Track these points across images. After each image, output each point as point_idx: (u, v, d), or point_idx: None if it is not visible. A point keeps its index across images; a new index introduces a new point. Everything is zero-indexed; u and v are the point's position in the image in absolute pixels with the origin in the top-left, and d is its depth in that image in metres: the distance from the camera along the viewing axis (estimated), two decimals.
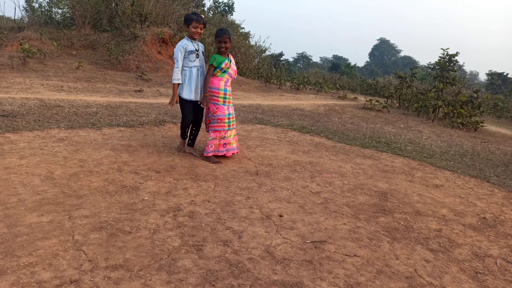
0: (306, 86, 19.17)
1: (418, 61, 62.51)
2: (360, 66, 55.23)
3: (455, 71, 13.18)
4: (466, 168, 5.71)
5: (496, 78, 34.26)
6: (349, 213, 3.38)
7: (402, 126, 9.86)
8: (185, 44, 4.32)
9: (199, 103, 4.47)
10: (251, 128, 6.83)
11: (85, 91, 8.65)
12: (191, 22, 4.32)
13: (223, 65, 4.40)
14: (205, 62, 4.64)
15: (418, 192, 4.21)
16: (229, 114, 4.49)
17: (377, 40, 73.86)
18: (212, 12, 25.80)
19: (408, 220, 3.38)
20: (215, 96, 4.44)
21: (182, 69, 4.36)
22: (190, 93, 4.40)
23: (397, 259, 2.65)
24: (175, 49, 4.35)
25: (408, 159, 5.88)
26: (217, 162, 4.44)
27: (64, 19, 15.84)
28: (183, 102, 4.46)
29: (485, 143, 8.77)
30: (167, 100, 8.87)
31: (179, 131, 4.82)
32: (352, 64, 38.32)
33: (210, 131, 4.50)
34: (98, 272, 2.10)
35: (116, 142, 4.75)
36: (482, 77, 55.11)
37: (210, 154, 4.48)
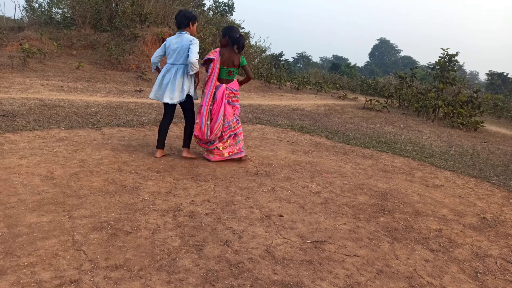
0: (306, 86, 19.18)
1: (418, 61, 62.55)
2: (360, 66, 55.23)
3: (455, 71, 13.19)
4: (466, 168, 5.71)
5: (496, 78, 34.27)
6: (349, 213, 3.38)
7: (402, 126, 9.86)
8: None
9: None
10: (251, 128, 6.83)
11: (85, 91, 8.65)
12: (196, 20, 4.27)
13: None
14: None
15: (418, 192, 4.21)
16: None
17: (377, 40, 73.91)
18: (212, 12, 25.80)
19: (408, 220, 3.38)
20: (238, 98, 4.56)
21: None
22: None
23: (397, 259, 2.65)
24: (195, 43, 4.12)
25: (408, 159, 5.88)
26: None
27: (64, 19, 15.85)
28: (192, 100, 4.40)
29: (485, 143, 8.77)
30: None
31: (184, 138, 4.50)
32: (352, 64, 38.33)
33: (241, 132, 4.57)
34: (98, 272, 2.10)
35: (116, 142, 4.75)
36: (482, 77, 55.16)
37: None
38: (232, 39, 4.33)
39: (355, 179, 4.42)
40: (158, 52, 4.31)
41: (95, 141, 4.70)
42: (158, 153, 4.37)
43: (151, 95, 4.32)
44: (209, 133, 4.34)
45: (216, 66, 4.29)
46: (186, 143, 4.47)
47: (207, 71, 4.40)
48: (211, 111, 4.36)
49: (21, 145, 4.17)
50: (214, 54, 4.31)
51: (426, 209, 3.72)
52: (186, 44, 4.12)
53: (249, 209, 3.20)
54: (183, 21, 4.22)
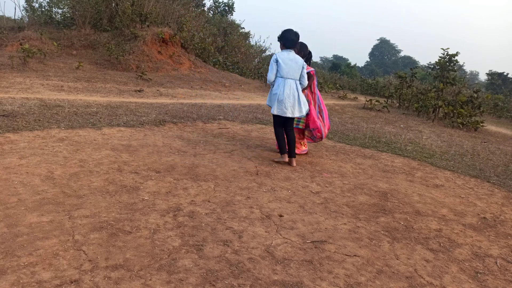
0: None
1: (418, 61, 62.42)
2: (360, 66, 55.17)
3: (455, 71, 13.18)
4: (466, 168, 5.71)
5: (496, 78, 34.23)
6: (349, 213, 3.38)
7: (402, 126, 9.86)
8: None
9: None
10: (251, 128, 6.84)
11: (85, 91, 8.65)
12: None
13: None
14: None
15: (418, 192, 4.21)
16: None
17: (377, 40, 73.74)
18: (212, 12, 25.80)
19: (408, 220, 3.38)
20: None
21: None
22: None
23: (397, 259, 2.65)
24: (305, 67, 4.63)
25: (408, 159, 5.88)
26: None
27: (64, 19, 15.84)
28: None
29: (485, 143, 8.77)
30: (167, 100, 8.88)
31: (290, 149, 4.70)
32: (352, 64, 38.27)
33: None
34: (98, 272, 2.10)
35: (116, 142, 4.75)
36: (482, 77, 55.13)
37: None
38: (305, 55, 4.94)
39: (355, 179, 4.42)
40: (274, 71, 4.50)
41: (95, 141, 4.70)
42: (287, 158, 4.65)
43: (277, 111, 4.49)
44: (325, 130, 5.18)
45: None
46: (293, 153, 4.68)
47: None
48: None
49: (21, 145, 4.17)
50: (310, 68, 4.97)
51: (426, 209, 3.72)
52: (300, 63, 4.50)
53: (249, 209, 3.20)
54: (295, 43, 4.52)
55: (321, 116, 5.12)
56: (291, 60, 4.45)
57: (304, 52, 4.89)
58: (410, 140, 7.71)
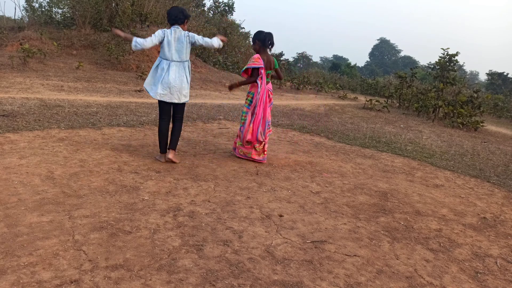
0: (306, 86, 19.19)
1: (418, 61, 62.47)
2: (360, 66, 55.18)
3: (455, 71, 13.19)
4: (466, 168, 5.71)
5: (496, 78, 34.25)
6: (349, 213, 3.38)
7: (402, 126, 9.86)
8: None
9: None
10: None
11: (85, 91, 8.65)
12: (189, 20, 4.36)
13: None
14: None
15: (418, 192, 4.21)
16: (242, 112, 4.64)
17: (377, 40, 73.75)
18: (212, 12, 25.81)
19: (408, 220, 3.38)
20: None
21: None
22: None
23: (397, 259, 2.65)
24: (193, 34, 4.21)
25: (408, 159, 5.88)
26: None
27: (64, 19, 15.85)
28: None
29: (485, 143, 8.77)
30: None
31: (172, 139, 4.19)
32: (352, 64, 38.30)
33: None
34: (98, 272, 2.10)
35: (116, 142, 4.75)
36: (482, 77, 55.17)
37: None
38: (261, 41, 4.47)
39: (355, 179, 4.42)
40: (154, 40, 4.01)
41: (95, 141, 4.70)
42: (164, 158, 4.19)
43: (156, 95, 4.03)
44: (260, 135, 4.47)
45: (264, 72, 4.44)
46: (174, 145, 4.20)
47: (250, 77, 4.53)
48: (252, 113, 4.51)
49: (21, 145, 4.17)
50: (259, 61, 4.41)
51: (426, 209, 3.72)
52: (185, 40, 4.07)
53: (249, 209, 3.20)
54: (180, 17, 4.11)
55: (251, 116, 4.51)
56: (179, 40, 4.05)
57: (271, 40, 4.48)
58: (410, 140, 7.71)
